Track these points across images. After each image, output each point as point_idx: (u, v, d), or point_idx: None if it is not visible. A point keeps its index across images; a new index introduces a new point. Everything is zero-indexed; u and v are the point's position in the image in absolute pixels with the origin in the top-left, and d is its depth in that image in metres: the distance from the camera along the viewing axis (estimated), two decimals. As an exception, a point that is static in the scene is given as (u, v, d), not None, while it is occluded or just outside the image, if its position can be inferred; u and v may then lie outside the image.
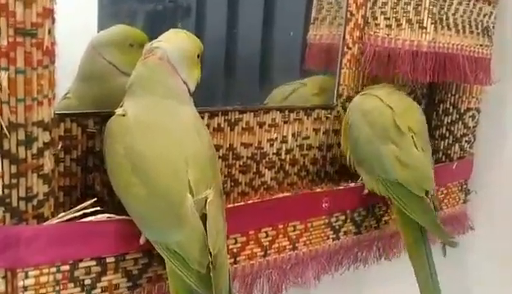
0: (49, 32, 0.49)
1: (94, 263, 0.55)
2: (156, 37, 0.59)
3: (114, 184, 0.55)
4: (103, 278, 0.56)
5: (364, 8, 0.88)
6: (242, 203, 0.68)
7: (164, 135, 0.54)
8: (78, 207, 0.54)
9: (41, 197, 0.52)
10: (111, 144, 0.54)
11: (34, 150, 0.50)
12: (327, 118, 0.87)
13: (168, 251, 0.53)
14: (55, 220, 0.53)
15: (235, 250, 0.67)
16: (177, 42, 0.57)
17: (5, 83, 0.46)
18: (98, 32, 0.64)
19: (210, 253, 0.52)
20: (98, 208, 0.55)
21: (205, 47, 0.62)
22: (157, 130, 0.54)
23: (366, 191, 0.81)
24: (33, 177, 0.50)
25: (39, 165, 0.51)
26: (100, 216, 0.55)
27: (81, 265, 0.54)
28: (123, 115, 0.54)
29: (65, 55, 0.53)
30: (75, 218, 0.54)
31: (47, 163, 0.52)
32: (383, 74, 0.85)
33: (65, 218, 0.53)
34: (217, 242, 0.53)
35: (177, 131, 0.55)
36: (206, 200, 0.53)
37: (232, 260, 0.67)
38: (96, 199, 0.56)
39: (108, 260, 0.56)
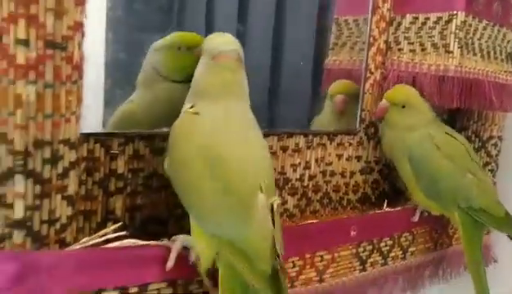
0: (79, 46, 0.47)
1: (117, 293, 0.51)
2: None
3: (181, 178, 0.53)
4: (126, 309, 0.52)
5: (386, 33, 0.86)
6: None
7: (239, 137, 0.55)
8: (103, 232, 0.51)
9: (64, 220, 0.48)
10: (184, 138, 0.53)
11: (60, 170, 0.47)
12: (350, 143, 0.84)
13: (233, 249, 0.51)
14: (78, 246, 0.49)
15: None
16: (237, 44, 0.57)
17: (32, 97, 0.44)
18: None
19: (278, 255, 0.51)
20: (122, 233, 0.51)
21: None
22: (232, 131, 0.54)
23: (425, 214, 0.85)
24: (57, 199, 0.47)
25: (64, 186, 0.48)
26: (126, 242, 0.51)
27: (104, 294, 0.50)
28: (195, 113, 0.54)
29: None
30: (97, 244, 0.51)
31: (72, 184, 0.49)
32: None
33: (89, 243, 0.50)
34: (282, 245, 0.52)
35: (251, 136, 0.56)
36: (272, 205, 0.53)
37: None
38: (121, 223, 0.53)
39: (131, 290, 0.52)
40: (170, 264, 0.53)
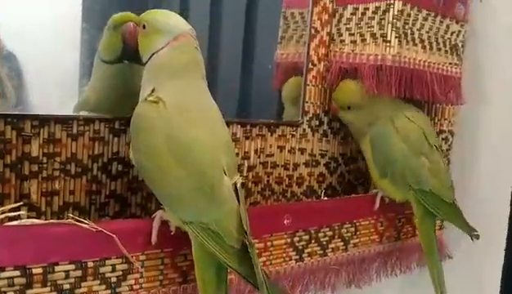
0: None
1: (18, 273, 0.50)
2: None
3: (148, 168, 0.56)
4: (28, 292, 0.51)
5: (329, 25, 0.86)
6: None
7: (200, 120, 0.56)
8: (2, 209, 0.50)
9: (-40, 198, 0.47)
10: (147, 129, 0.55)
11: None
12: (292, 135, 0.84)
13: (203, 231, 0.55)
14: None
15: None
16: (185, 22, 0.58)
17: None
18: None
19: (245, 231, 0.55)
20: (22, 212, 0.51)
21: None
22: (193, 115, 0.56)
23: (386, 200, 0.87)
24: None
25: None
26: (26, 221, 0.50)
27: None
28: (156, 102, 0.55)
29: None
30: None
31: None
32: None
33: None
34: (247, 222, 0.56)
35: (211, 117, 0.58)
36: (236, 184, 0.57)
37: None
38: (22, 203, 0.52)
39: (34, 271, 0.51)
40: (154, 239, 0.58)
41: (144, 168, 0.57)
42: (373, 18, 0.80)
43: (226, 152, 0.57)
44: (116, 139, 0.64)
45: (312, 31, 0.84)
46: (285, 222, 0.71)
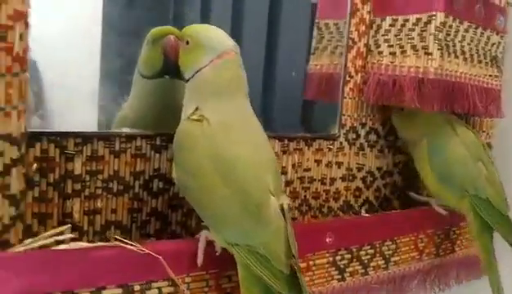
0: (21, 37, 0.45)
1: (66, 298, 0.48)
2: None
3: (191, 187, 0.54)
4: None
5: (366, 36, 0.84)
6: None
7: (245, 138, 0.55)
8: (48, 233, 0.49)
9: (6, 221, 0.46)
10: (190, 147, 0.54)
11: (0, 167, 0.44)
12: (329, 149, 0.82)
13: (250, 254, 0.53)
14: (21, 248, 0.47)
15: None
16: (229, 37, 0.57)
17: (-32, 89, 0.42)
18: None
19: (293, 255, 0.53)
20: (72, 236, 0.49)
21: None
22: (238, 133, 0.55)
23: (444, 212, 0.86)
24: (-3, 197, 0.45)
25: (5, 184, 0.45)
26: (73, 245, 0.49)
27: (50, 299, 0.47)
28: (199, 120, 0.54)
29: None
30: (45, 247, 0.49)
31: (15, 183, 0.47)
32: (387, 103, 0.81)
33: (34, 245, 0.47)
34: (296, 245, 0.54)
35: (255, 135, 0.56)
36: (283, 206, 0.55)
37: None
38: (70, 226, 0.50)
39: (82, 295, 0.49)
40: (200, 260, 0.56)
41: (187, 187, 0.56)
42: (413, 29, 0.78)
43: (272, 171, 0.55)
44: (158, 155, 0.63)
45: (350, 42, 0.82)
46: (328, 240, 0.69)
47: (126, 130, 0.60)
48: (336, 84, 0.84)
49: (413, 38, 0.78)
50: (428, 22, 0.77)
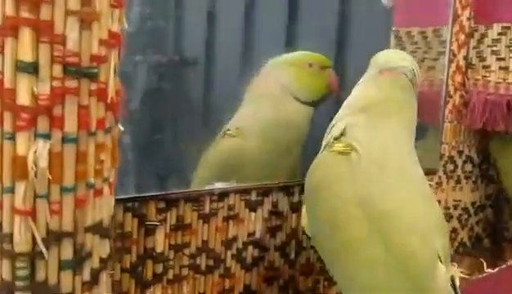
0: (115, 72, 0.29)
1: None
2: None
3: (329, 242, 0.41)
4: None
5: (466, 47, 0.70)
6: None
7: (408, 182, 0.42)
8: None
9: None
10: (332, 188, 0.41)
11: (86, 276, 0.28)
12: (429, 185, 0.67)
13: None
14: None
15: None
16: (413, 62, 0.49)
17: (43, 162, 0.25)
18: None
19: None
20: None
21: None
22: (399, 175, 0.42)
23: None
24: (81, 321, 0.29)
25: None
26: None
27: None
28: (347, 152, 0.41)
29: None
30: None
31: (103, 292, 0.30)
32: (500, 129, 0.66)
33: None
34: None
35: (417, 181, 0.43)
36: (453, 280, 0.41)
37: None
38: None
39: None
40: None
41: (325, 241, 0.42)
42: (535, 39, 0.64)
43: (441, 233, 0.42)
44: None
45: (450, 55, 0.68)
46: None
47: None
48: (425, 105, 0.69)
49: (535, 50, 0.64)
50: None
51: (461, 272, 0.45)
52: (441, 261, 0.40)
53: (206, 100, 0.51)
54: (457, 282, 0.42)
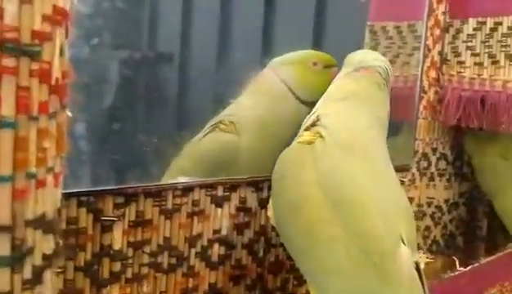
0: (61, 51, 0.27)
1: None
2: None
3: (292, 229, 0.41)
4: None
5: (441, 42, 0.69)
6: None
7: (372, 166, 0.42)
8: None
9: None
10: (295, 174, 0.41)
11: (27, 274, 0.26)
12: (402, 182, 0.66)
13: None
14: None
15: None
16: (386, 62, 0.50)
17: (-24, 148, 0.23)
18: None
19: None
20: None
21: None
22: (363, 157, 0.42)
23: None
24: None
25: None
26: None
27: None
28: (313, 141, 0.41)
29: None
30: None
31: (46, 291, 0.28)
32: (475, 126, 0.65)
33: None
34: None
35: (386, 168, 0.43)
36: (418, 265, 0.40)
37: None
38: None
39: None
40: None
41: (288, 229, 0.41)
42: (509, 35, 0.63)
43: (406, 218, 0.42)
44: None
45: (425, 50, 0.67)
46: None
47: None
48: (399, 101, 0.68)
49: (509, 46, 0.63)
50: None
51: (427, 258, 0.44)
52: (404, 243, 0.39)
53: (169, 87, 0.49)
54: (422, 266, 0.41)
